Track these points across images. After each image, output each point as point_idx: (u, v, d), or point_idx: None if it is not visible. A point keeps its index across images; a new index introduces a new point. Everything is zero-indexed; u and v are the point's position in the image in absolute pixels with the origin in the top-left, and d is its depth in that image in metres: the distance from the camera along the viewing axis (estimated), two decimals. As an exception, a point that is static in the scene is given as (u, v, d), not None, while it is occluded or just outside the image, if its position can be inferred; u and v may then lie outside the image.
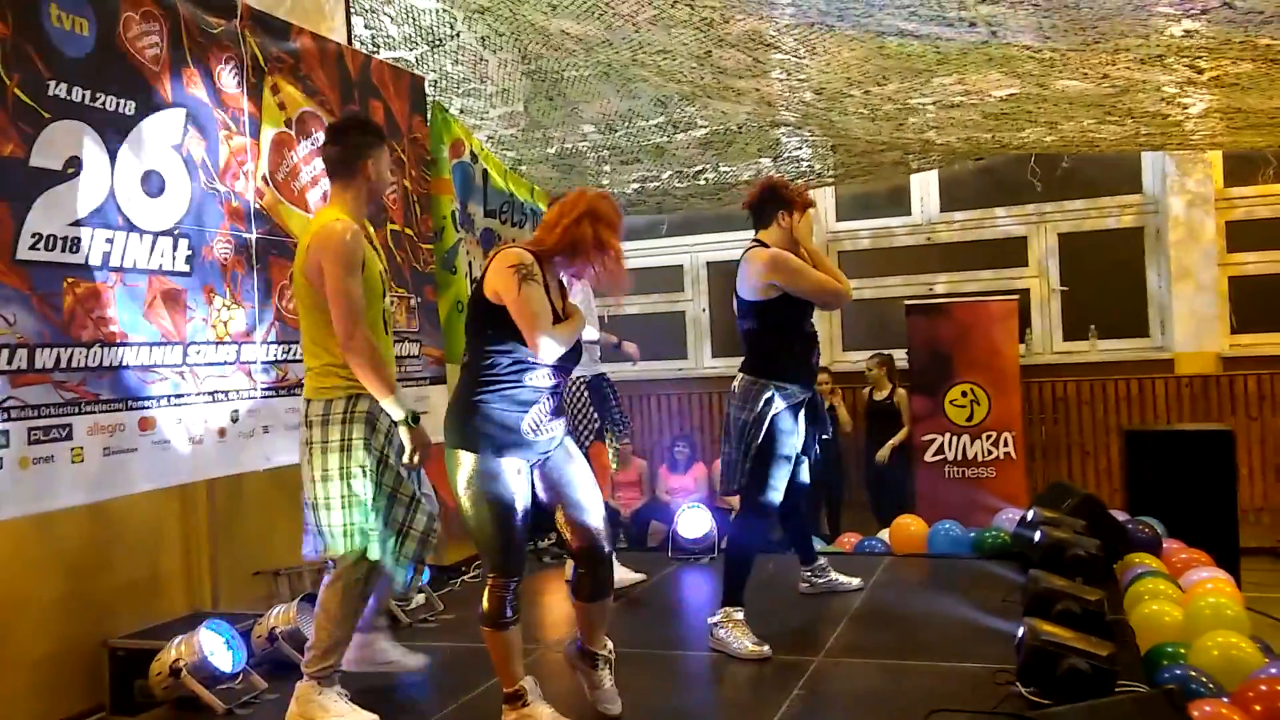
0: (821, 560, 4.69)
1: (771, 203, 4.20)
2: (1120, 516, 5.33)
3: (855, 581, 4.69)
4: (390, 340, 3.52)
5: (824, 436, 4.41)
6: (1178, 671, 3.42)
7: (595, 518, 3.22)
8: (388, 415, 3.30)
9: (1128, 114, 5.04)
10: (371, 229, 3.72)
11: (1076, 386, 7.86)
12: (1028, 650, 3.01)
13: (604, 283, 3.25)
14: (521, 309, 3.00)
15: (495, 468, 3.05)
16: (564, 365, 3.15)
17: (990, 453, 7.50)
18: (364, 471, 3.25)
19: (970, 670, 3.52)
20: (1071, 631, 3.11)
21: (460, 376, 3.21)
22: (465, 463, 3.06)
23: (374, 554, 3.29)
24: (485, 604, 3.11)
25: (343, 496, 3.26)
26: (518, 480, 3.08)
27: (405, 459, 3.30)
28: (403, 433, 3.27)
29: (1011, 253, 8.26)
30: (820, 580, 4.64)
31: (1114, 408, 7.73)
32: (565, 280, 3.31)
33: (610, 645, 3.33)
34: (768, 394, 4.00)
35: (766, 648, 3.85)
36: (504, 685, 3.15)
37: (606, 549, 3.24)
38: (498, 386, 3.07)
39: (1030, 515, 4.79)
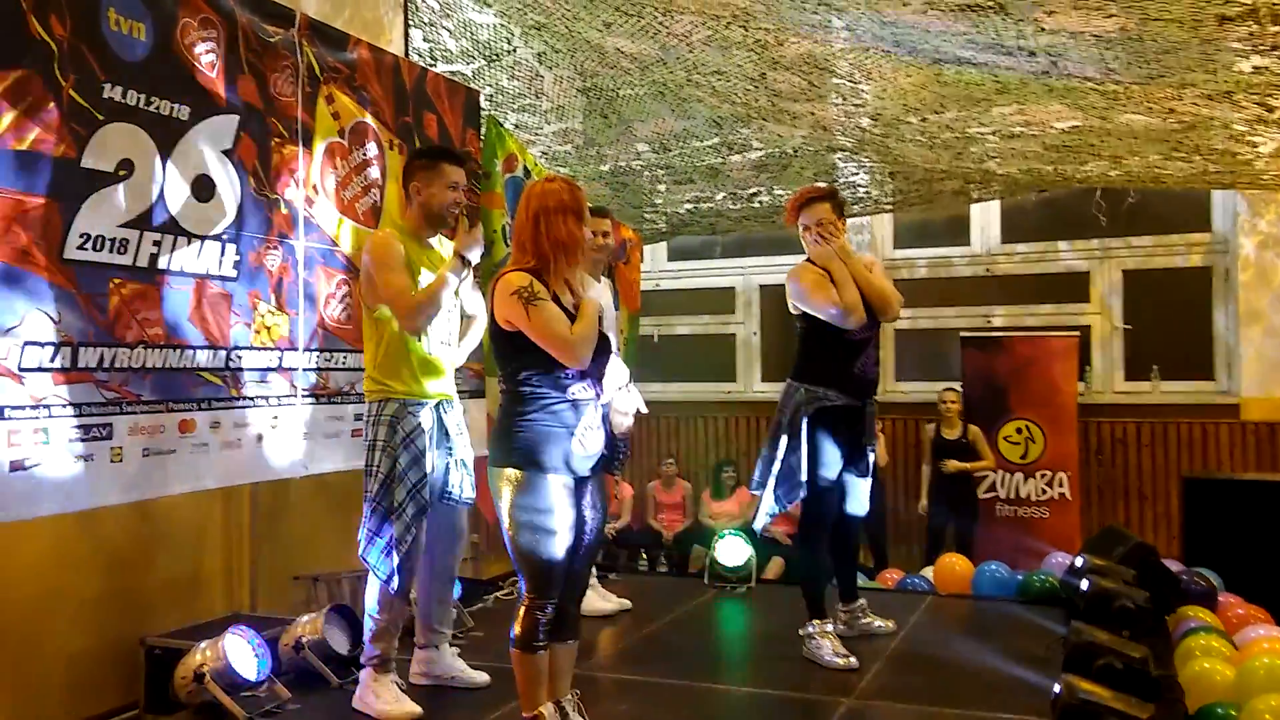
0: (862, 601, 4.56)
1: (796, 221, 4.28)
2: (1175, 567, 5.14)
3: (890, 625, 4.55)
4: (430, 345, 3.67)
5: (861, 468, 4.30)
6: (1226, 734, 3.27)
7: (588, 557, 3.22)
8: (414, 417, 3.58)
9: (1195, 150, 4.89)
10: (434, 246, 3.81)
11: (1137, 428, 7.63)
12: (1063, 709, 2.89)
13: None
14: (540, 331, 2.98)
15: (541, 485, 3.01)
16: (598, 367, 3.12)
17: (1044, 493, 7.31)
18: (376, 470, 3.55)
19: (1005, 721, 3.39)
20: (1111, 690, 2.98)
21: (502, 398, 3.19)
22: (510, 480, 3.03)
23: (362, 549, 3.57)
24: (518, 625, 3.06)
25: (365, 491, 3.58)
26: (563, 498, 3.03)
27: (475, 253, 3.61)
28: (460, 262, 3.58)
29: (1073, 287, 8.05)
30: (857, 622, 4.50)
31: (1175, 452, 7.47)
32: (579, 278, 3.24)
33: (576, 694, 3.22)
34: (799, 396, 4.11)
35: (854, 659, 4.02)
36: (524, 710, 3.09)
37: (583, 589, 3.28)
38: (542, 403, 3.03)
39: (1079, 562, 4.63)
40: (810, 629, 4.15)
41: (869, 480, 4.36)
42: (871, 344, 4.22)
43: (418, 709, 3.53)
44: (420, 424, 3.60)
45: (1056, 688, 3.09)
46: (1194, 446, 7.43)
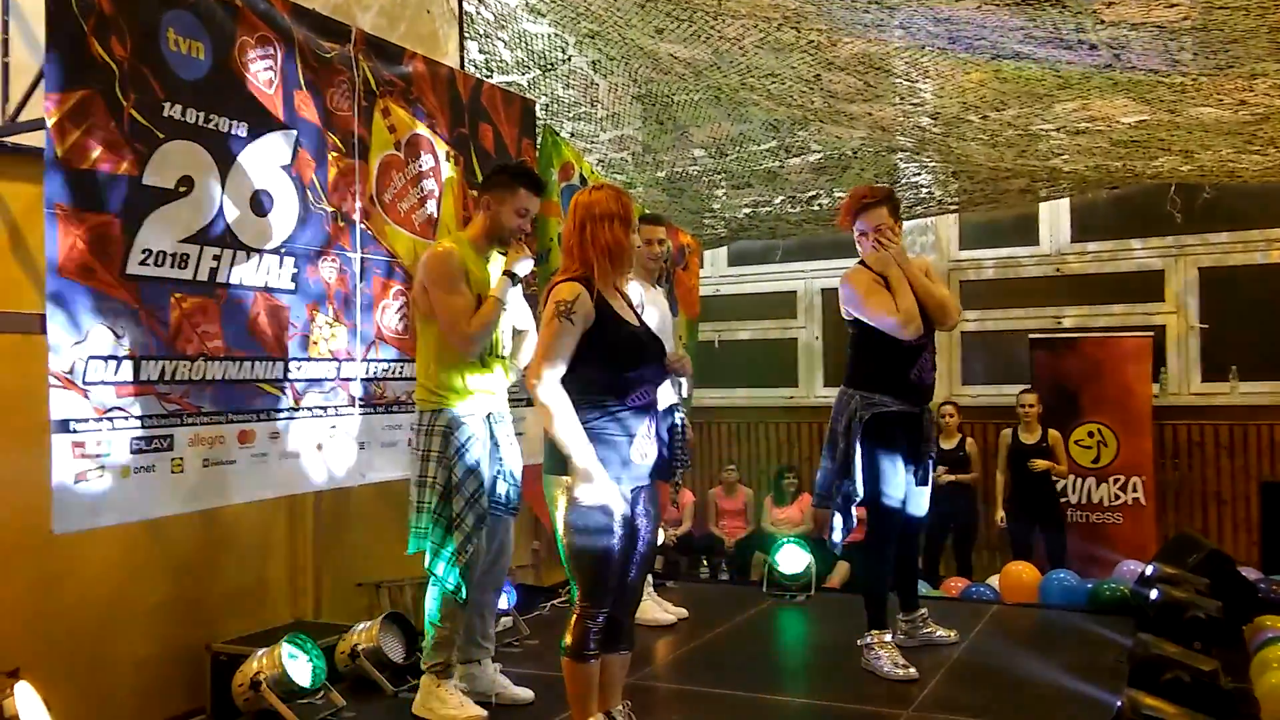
0: (923, 610, 4.47)
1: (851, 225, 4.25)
2: (1252, 575, 4.95)
3: (952, 635, 4.45)
4: (485, 360, 3.69)
5: (922, 475, 4.22)
6: (1304, 752, 3.13)
7: (642, 566, 3.19)
8: (468, 427, 3.59)
9: (1270, 143, 4.70)
10: (490, 260, 3.82)
11: (1215, 431, 7.38)
12: (1124, 724, 2.79)
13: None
14: (539, 341, 3.04)
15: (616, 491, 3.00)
16: (654, 379, 3.13)
17: (1118, 498, 7.12)
18: (433, 481, 3.56)
19: (1069, 736, 3.29)
20: (1176, 706, 2.87)
21: None
22: (566, 487, 3.00)
23: (427, 564, 3.58)
24: (569, 634, 3.05)
25: (422, 501, 3.60)
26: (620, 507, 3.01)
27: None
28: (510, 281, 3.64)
29: (1147, 286, 7.82)
30: (918, 632, 4.41)
31: (1255, 456, 7.21)
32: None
33: (627, 705, 3.22)
34: (854, 403, 4.08)
35: (913, 670, 3.96)
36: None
37: (637, 599, 3.27)
38: (599, 410, 3.02)
39: (1149, 570, 4.48)
40: (869, 639, 4.10)
41: (928, 488, 4.29)
42: (928, 349, 4.15)
43: (483, 712, 3.56)
44: (474, 434, 3.62)
45: (1119, 702, 2.99)
46: (1274, 450, 7.16)
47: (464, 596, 3.54)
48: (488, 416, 3.71)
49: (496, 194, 3.70)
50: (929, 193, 7.02)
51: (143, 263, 3.45)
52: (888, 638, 4.10)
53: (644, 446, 3.05)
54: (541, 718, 3.61)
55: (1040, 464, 6.77)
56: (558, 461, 3.04)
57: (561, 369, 2.99)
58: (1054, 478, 6.91)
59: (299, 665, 3.56)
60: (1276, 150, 4.87)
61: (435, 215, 4.84)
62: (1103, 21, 3.36)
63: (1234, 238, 7.54)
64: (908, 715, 3.58)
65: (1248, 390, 7.41)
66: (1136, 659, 3.37)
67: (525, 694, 3.78)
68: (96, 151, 3.29)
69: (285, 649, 3.54)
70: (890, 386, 4.07)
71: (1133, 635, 4.10)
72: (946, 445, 7.04)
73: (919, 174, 6.65)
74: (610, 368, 3.03)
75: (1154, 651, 3.32)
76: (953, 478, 6.97)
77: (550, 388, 2.97)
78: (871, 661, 4.05)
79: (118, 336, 3.36)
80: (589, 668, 3.05)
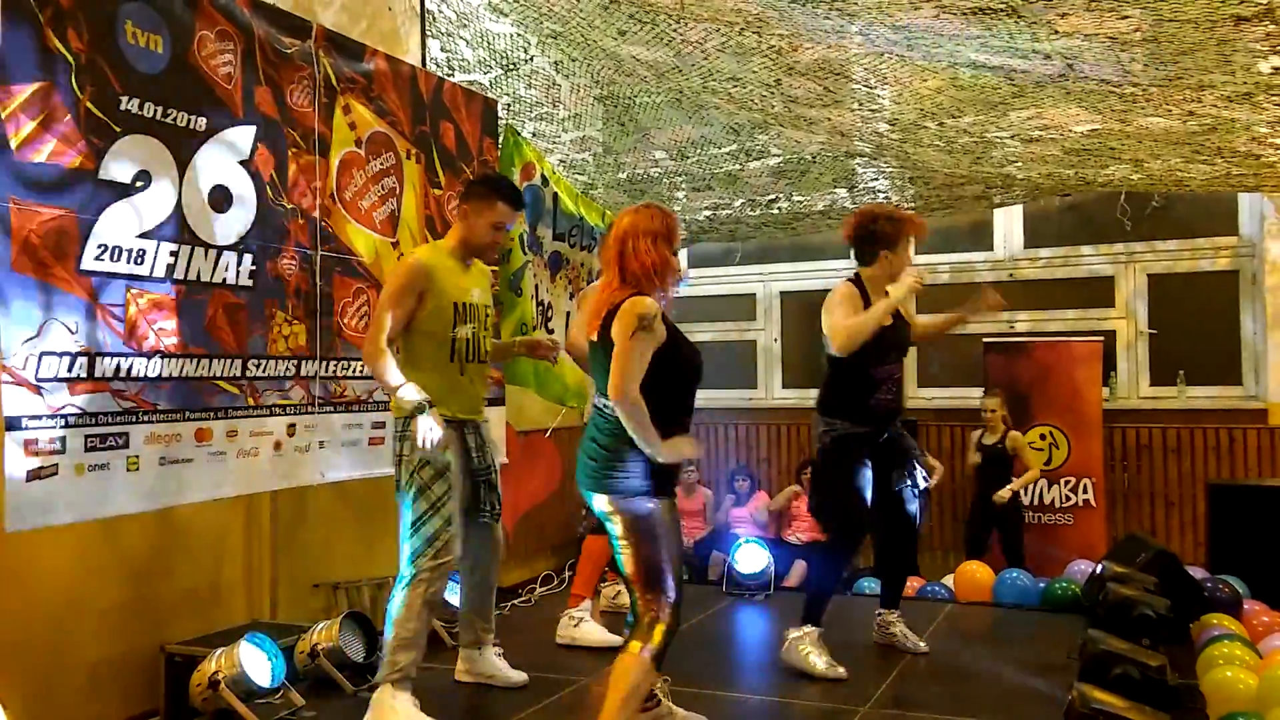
0: (899, 613, 4.55)
1: (871, 240, 4.28)
2: (1199, 574, 5.07)
3: (922, 645, 4.48)
4: (462, 367, 3.75)
5: (911, 483, 4.33)
6: (1248, 745, 3.21)
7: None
8: (452, 431, 3.61)
9: (1217, 153, 4.83)
10: (478, 268, 3.93)
11: (1162, 434, 7.53)
12: (1075, 718, 2.85)
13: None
14: (623, 358, 3.00)
15: (659, 509, 3.07)
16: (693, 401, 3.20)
17: (1069, 499, 7.23)
18: (406, 487, 3.60)
19: (1022, 731, 3.36)
20: (1125, 700, 2.94)
21: (596, 421, 3.18)
22: (630, 508, 3.05)
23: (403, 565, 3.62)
24: (656, 638, 3.03)
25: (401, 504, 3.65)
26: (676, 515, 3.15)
27: (426, 443, 3.50)
28: (415, 423, 3.51)
29: (1098, 293, 7.97)
30: (887, 632, 4.50)
31: (1201, 458, 7.37)
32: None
33: (663, 679, 3.38)
34: (820, 428, 4.26)
35: (841, 669, 4.05)
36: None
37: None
38: (663, 430, 3.03)
39: (1099, 569, 4.57)
40: (799, 633, 4.18)
41: (914, 497, 4.38)
42: (893, 379, 4.28)
43: None
44: (453, 437, 3.66)
45: (1070, 697, 3.06)
46: (1220, 452, 7.32)
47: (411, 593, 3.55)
48: (462, 425, 3.73)
49: (474, 205, 3.73)
50: (886, 198, 7.10)
51: (98, 258, 3.41)
52: (818, 635, 4.17)
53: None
54: (501, 716, 3.61)
55: (1003, 496, 6.78)
56: (610, 479, 3.06)
57: (639, 380, 2.99)
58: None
59: (258, 664, 3.52)
60: (1223, 160, 4.99)
61: (397, 213, 4.83)
62: (1057, 32, 3.44)
63: (1182, 245, 7.71)
64: (864, 712, 3.63)
65: (1195, 394, 7.57)
66: (1087, 655, 3.44)
67: (520, 676, 3.91)
68: (51, 144, 3.25)
69: (244, 648, 3.50)
70: (850, 412, 4.22)
71: (1083, 632, 4.18)
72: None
73: (876, 179, 6.73)
74: (677, 388, 3.10)
75: (1103, 648, 3.40)
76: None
77: (636, 399, 2.97)
78: (796, 653, 4.13)
79: (72, 333, 3.32)
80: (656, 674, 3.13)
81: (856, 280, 4.31)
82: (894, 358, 4.30)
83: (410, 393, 3.51)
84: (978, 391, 7.55)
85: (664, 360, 3.04)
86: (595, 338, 3.12)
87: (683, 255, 9.10)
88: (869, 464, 4.24)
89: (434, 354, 3.69)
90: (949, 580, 5.77)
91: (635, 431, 2.98)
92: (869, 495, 4.22)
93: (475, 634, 3.97)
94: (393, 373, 3.57)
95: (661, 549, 3.05)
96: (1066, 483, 7.21)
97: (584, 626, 4.63)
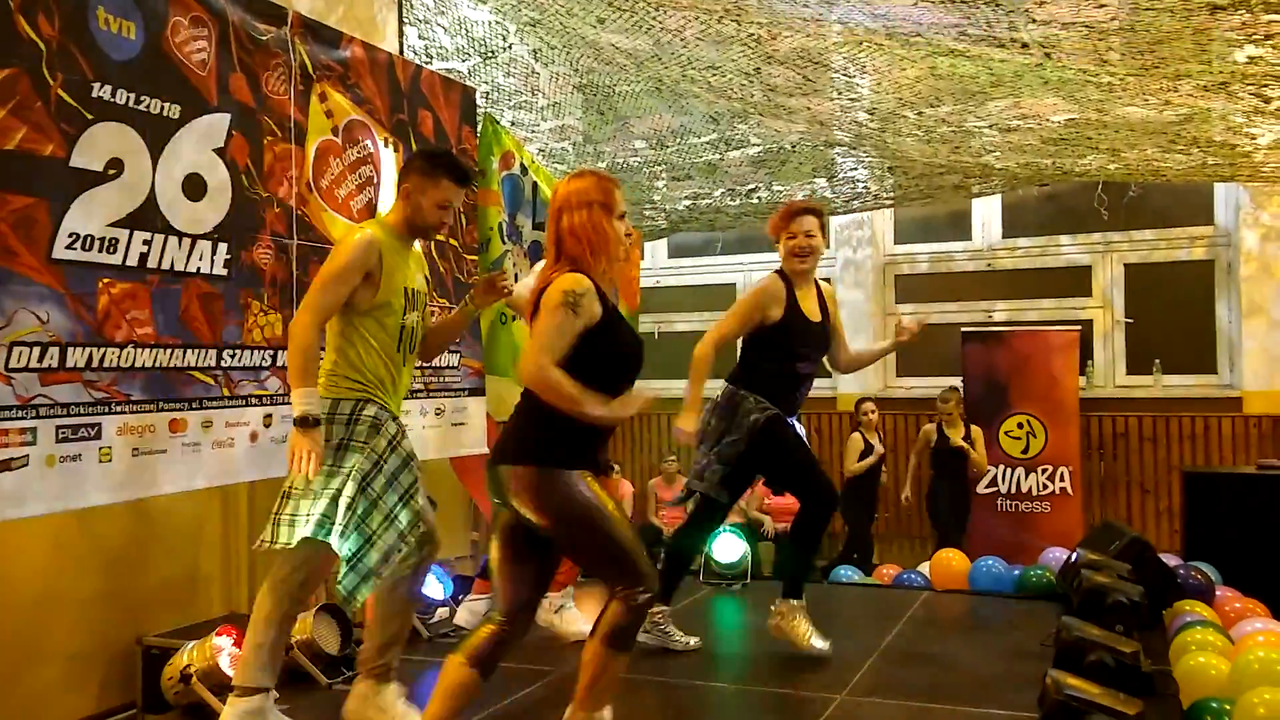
0: (665, 609, 4.42)
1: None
2: (1172, 561, 5.11)
3: (692, 641, 4.39)
4: (405, 357, 3.55)
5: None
6: (1220, 730, 3.24)
7: None
8: (396, 423, 3.42)
9: (1193, 143, 4.86)
10: (417, 249, 3.71)
11: (1139, 422, 7.60)
12: (1049, 705, 2.87)
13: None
14: (541, 330, 2.84)
15: (581, 481, 2.85)
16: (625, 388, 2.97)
17: (1045, 487, 7.29)
18: (352, 472, 3.30)
19: (997, 718, 3.38)
20: (1099, 687, 2.96)
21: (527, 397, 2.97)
22: (558, 480, 2.84)
23: (337, 548, 3.31)
24: (613, 621, 2.83)
25: (314, 489, 3.32)
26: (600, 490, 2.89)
27: (290, 458, 3.25)
28: (292, 433, 3.26)
29: (1075, 282, 8.03)
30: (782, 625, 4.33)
31: (1176, 446, 7.45)
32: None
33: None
34: (750, 403, 4.21)
35: (694, 640, 4.30)
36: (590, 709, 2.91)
37: None
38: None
39: (1074, 557, 4.61)
40: (784, 605, 4.26)
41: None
42: (808, 378, 4.32)
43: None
44: (401, 429, 3.47)
45: (1044, 683, 3.08)
46: (1196, 440, 7.40)
47: (358, 601, 3.33)
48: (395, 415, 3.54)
49: (416, 183, 3.48)
50: (865, 187, 7.12)
51: (70, 247, 3.36)
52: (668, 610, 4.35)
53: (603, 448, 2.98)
54: (481, 705, 3.61)
55: (856, 469, 7.09)
56: (533, 449, 2.87)
57: (557, 359, 2.80)
58: (975, 472, 7.07)
59: (230, 657, 3.50)
60: (1199, 150, 5.03)
61: (374, 202, 4.79)
62: (1034, 20, 3.44)
63: (1158, 235, 7.77)
64: (842, 699, 3.65)
65: (1170, 383, 7.65)
66: (1061, 642, 3.47)
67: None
68: (21, 132, 3.19)
69: (216, 642, 3.48)
70: (771, 398, 4.17)
71: (1058, 619, 4.22)
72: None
73: (855, 169, 6.75)
74: (608, 375, 2.89)
75: (1078, 634, 3.42)
76: (857, 469, 7.26)
77: (552, 371, 2.79)
78: (659, 631, 4.30)
79: (43, 322, 3.28)
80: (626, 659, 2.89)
81: (781, 273, 4.32)
82: (814, 357, 4.30)
83: (310, 400, 3.25)
84: (955, 381, 7.60)
85: (593, 342, 2.86)
86: (529, 322, 2.95)
87: (662, 245, 9.10)
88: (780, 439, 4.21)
89: (382, 341, 3.44)
90: (925, 568, 5.80)
91: (566, 405, 2.78)
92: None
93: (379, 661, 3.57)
94: (310, 369, 3.29)
95: (601, 516, 2.87)
96: (1044, 471, 7.27)
97: (565, 614, 4.61)
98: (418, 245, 3.73)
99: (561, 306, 2.80)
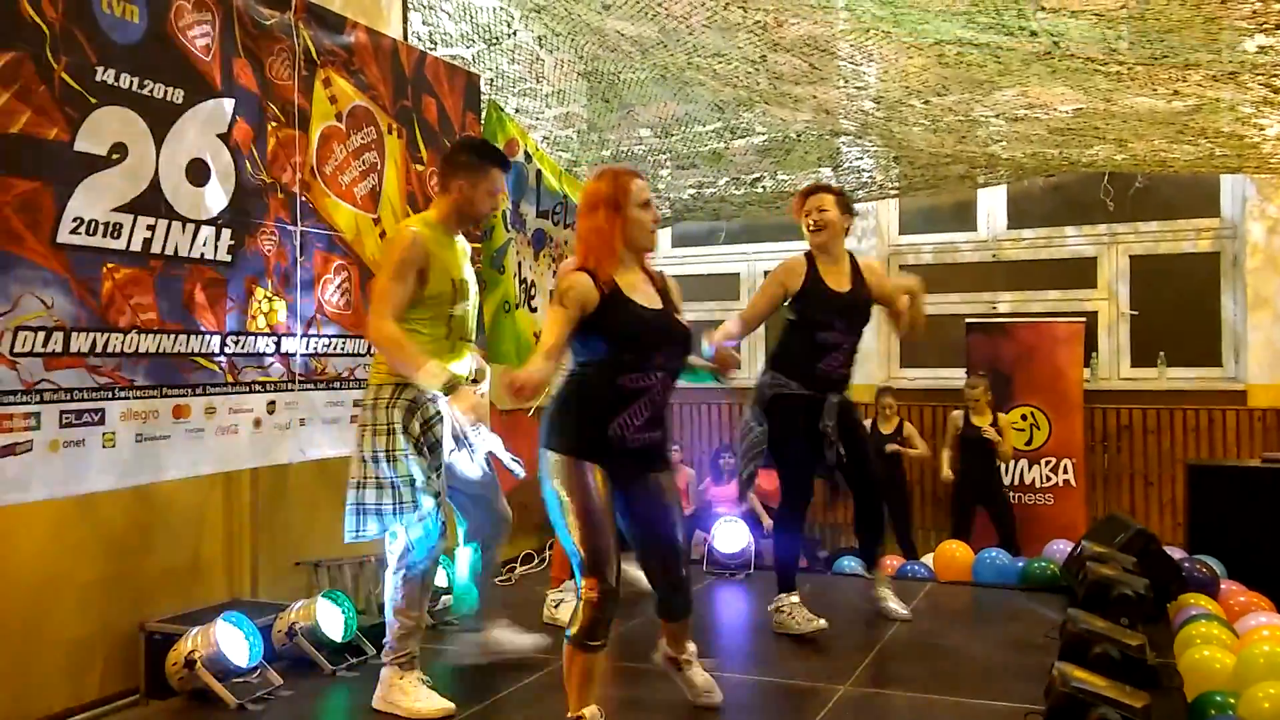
0: (878, 574, 4.66)
1: None
2: (1177, 554, 5.10)
3: (904, 612, 4.53)
4: (454, 345, 3.65)
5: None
6: (1224, 722, 3.23)
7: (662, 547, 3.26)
8: (432, 404, 3.50)
9: (1201, 133, 4.83)
10: (462, 242, 3.81)
11: (1143, 415, 7.58)
12: (1056, 697, 2.86)
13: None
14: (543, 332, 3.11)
15: (580, 470, 3.02)
16: (664, 364, 3.14)
17: (1049, 479, 7.28)
18: (395, 455, 3.46)
19: (1001, 709, 3.37)
20: (1105, 679, 2.95)
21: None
22: (550, 462, 3.06)
23: (397, 536, 3.52)
24: (579, 619, 2.98)
25: (376, 479, 3.50)
26: (602, 485, 3.03)
27: (461, 424, 3.50)
28: (444, 404, 3.48)
29: (1080, 273, 8.00)
30: (871, 595, 4.59)
31: (1181, 439, 7.42)
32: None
33: (691, 648, 3.46)
34: (766, 379, 4.39)
35: (822, 621, 4.24)
36: (571, 709, 3.01)
37: (681, 575, 3.29)
38: (607, 386, 3.06)
39: (1079, 548, 4.60)
40: (778, 602, 4.35)
41: (865, 460, 4.46)
42: (841, 350, 4.35)
43: (450, 705, 3.44)
44: (439, 413, 3.55)
45: (1051, 675, 3.07)
46: (1200, 433, 7.38)
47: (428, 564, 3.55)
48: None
49: (469, 177, 3.62)
50: (870, 177, 7.09)
51: (74, 231, 3.36)
52: (794, 598, 4.36)
53: (643, 433, 3.09)
54: (486, 692, 3.61)
55: (989, 431, 6.90)
56: (547, 434, 3.11)
57: (551, 349, 3.00)
58: (998, 462, 7.02)
59: (234, 644, 3.50)
60: (1207, 141, 5.00)
61: (378, 188, 4.78)
62: (1044, 8, 3.42)
63: (1164, 227, 7.74)
64: (845, 689, 3.64)
65: (1175, 375, 7.62)
66: (1066, 634, 3.46)
67: (532, 640, 3.87)
68: (25, 116, 3.19)
69: (220, 627, 3.48)
70: (793, 373, 4.31)
71: (1063, 612, 4.21)
72: (886, 431, 7.18)
73: (861, 158, 6.72)
74: (617, 351, 3.07)
75: (1083, 627, 3.41)
76: (895, 448, 7.21)
77: (541, 368, 2.96)
78: (784, 621, 4.32)
79: (47, 307, 3.27)
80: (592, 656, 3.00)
81: (808, 254, 4.45)
82: (843, 326, 4.34)
83: (436, 371, 3.39)
84: (960, 372, 7.57)
85: (594, 325, 3.06)
86: None
87: (666, 234, 9.07)
88: (808, 428, 4.30)
89: (431, 333, 3.56)
90: (929, 559, 5.79)
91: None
92: (802, 456, 4.34)
93: (486, 610, 3.88)
94: (412, 350, 3.42)
95: (568, 513, 3.03)
96: (1047, 463, 7.26)
97: (564, 609, 4.61)
98: (461, 239, 3.80)
99: (552, 304, 3.10)
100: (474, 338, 3.82)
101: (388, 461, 3.47)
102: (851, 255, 4.48)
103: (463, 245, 3.80)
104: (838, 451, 4.28)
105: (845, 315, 4.35)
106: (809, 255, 4.41)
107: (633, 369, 3.06)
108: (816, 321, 4.30)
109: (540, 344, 3.06)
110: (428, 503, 3.48)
